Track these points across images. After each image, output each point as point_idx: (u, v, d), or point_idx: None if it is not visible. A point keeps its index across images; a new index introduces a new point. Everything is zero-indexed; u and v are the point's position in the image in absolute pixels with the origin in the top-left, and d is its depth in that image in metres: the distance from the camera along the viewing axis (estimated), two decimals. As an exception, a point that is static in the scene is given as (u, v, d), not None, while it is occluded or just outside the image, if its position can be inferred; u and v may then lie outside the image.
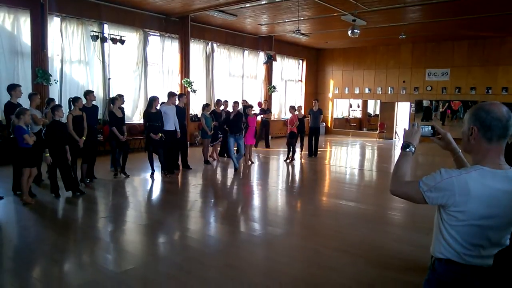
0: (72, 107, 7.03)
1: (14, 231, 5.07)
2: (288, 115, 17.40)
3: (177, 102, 8.85)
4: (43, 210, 5.93)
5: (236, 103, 9.54)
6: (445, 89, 16.41)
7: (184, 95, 9.85)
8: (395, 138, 18.02)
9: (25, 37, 9.52)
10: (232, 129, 9.20)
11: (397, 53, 17.55)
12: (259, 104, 13.47)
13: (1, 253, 4.33)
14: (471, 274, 1.67)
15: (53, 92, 9.83)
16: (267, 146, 13.67)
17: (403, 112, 18.01)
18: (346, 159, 13.03)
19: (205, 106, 10.18)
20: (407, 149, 1.84)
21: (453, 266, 1.69)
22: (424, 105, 16.99)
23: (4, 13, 9.30)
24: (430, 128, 1.97)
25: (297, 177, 9.47)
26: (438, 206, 1.74)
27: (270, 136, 16.28)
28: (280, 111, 18.12)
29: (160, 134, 8.08)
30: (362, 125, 20.98)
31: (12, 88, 6.74)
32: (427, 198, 1.67)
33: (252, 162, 10.37)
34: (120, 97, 8.26)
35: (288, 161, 10.70)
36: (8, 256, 4.25)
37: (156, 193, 7.45)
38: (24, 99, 7.08)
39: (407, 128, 1.94)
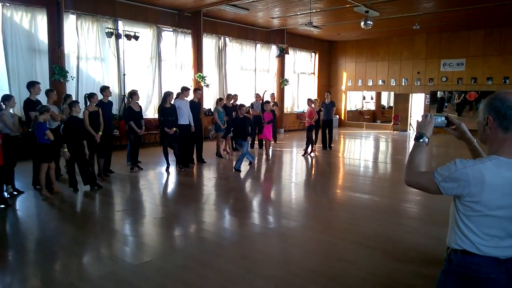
0: (88, 103, 7.16)
1: (35, 225, 5.21)
2: (302, 108, 17.39)
3: (191, 97, 8.91)
4: (62, 203, 6.08)
5: (242, 106, 8.83)
6: (461, 79, 16.12)
7: (199, 90, 9.92)
8: (410, 130, 17.81)
9: (42, 35, 9.69)
10: (236, 134, 8.67)
11: (411, 44, 17.28)
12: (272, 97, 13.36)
13: (24, 246, 4.47)
14: (487, 264, 1.65)
15: (70, 88, 9.99)
16: (274, 140, 13.41)
17: (417, 103, 17.77)
18: (360, 151, 12.95)
19: (218, 101, 10.28)
20: (421, 140, 1.84)
21: (469, 256, 1.68)
22: (438, 96, 16.74)
23: (22, 11, 9.48)
24: (444, 118, 1.96)
25: (311, 170, 9.46)
26: (453, 196, 1.73)
27: (283, 129, 16.32)
28: (293, 104, 18.06)
29: (175, 129, 8.17)
30: (376, 117, 20.80)
31: (31, 85, 6.89)
32: (442, 188, 1.67)
33: (269, 157, 10.30)
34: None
35: (312, 154, 10.64)
36: (30, 249, 4.39)
37: (171, 186, 7.54)
38: (43, 95, 7.24)
39: (420, 119, 1.93)
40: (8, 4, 9.29)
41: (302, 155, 10.58)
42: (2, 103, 6.20)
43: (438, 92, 16.70)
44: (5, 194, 6.02)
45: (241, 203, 6.35)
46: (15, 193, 6.34)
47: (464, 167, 1.63)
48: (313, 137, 10.73)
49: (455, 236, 1.73)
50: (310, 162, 10.14)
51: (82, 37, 10.60)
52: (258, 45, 16.13)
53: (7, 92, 8.45)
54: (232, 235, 4.84)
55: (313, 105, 10.76)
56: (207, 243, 4.54)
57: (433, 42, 16.66)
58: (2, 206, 5.65)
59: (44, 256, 4.11)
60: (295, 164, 10.13)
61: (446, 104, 16.59)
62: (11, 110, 6.29)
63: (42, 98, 7.16)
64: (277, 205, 6.28)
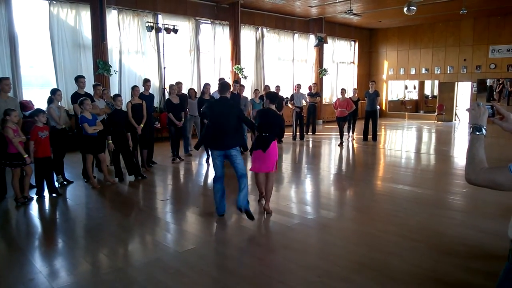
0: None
1: (84, 212, 5.46)
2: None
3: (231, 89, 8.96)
4: (109, 193, 6.34)
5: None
6: (511, 66, 15.17)
7: (238, 82, 9.97)
8: (455, 120, 17.04)
9: (86, 31, 10.05)
10: (213, 140, 5.05)
11: (456, 30, 16.43)
12: (309, 88, 13.17)
13: (75, 231, 4.71)
14: None
15: (114, 82, 10.35)
16: (314, 132, 13.17)
17: (463, 92, 16.94)
18: (402, 142, 12.55)
19: (254, 92, 10.33)
20: (478, 133, 1.69)
21: None
22: (488, 84, 15.84)
23: (67, 8, 9.89)
24: (489, 107, 1.81)
25: (350, 161, 9.29)
26: None
27: (321, 121, 16.09)
28: (331, 94, 17.74)
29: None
30: (419, 107, 20.02)
31: (76, 80, 7.19)
32: None
33: (269, 213, 5.09)
34: (176, 85, 8.53)
35: (341, 145, 10.56)
36: (80, 235, 4.61)
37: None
38: (89, 89, 7.52)
39: (471, 109, 1.77)
40: (54, 2, 9.71)
41: (338, 145, 10.49)
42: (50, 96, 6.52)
43: (488, 80, 15.79)
44: (56, 184, 6.35)
45: (280, 193, 6.34)
46: (65, 183, 6.67)
47: None
48: (350, 127, 10.81)
49: None
50: (349, 154, 9.95)
51: (123, 31, 10.92)
52: (296, 35, 15.93)
53: (55, 87, 8.86)
54: (273, 225, 4.84)
55: (346, 96, 10.74)
56: (248, 232, 4.58)
57: (481, 27, 15.75)
58: (54, 195, 5.97)
59: (93, 242, 4.31)
60: (333, 155, 9.98)
61: (495, 93, 15.68)
62: (59, 104, 6.60)
63: (90, 92, 7.45)
64: (316, 196, 6.22)
